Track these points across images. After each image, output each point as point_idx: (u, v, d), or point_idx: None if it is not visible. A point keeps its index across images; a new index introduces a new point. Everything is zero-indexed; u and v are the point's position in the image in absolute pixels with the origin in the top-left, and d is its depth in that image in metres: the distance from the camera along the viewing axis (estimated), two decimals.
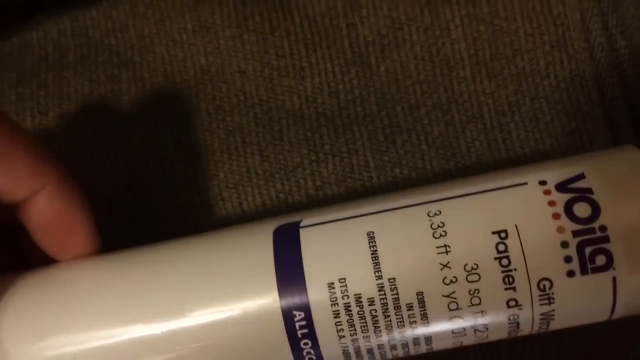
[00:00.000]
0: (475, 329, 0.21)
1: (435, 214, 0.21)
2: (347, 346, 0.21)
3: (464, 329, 0.21)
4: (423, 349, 0.22)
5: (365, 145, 0.29)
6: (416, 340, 0.22)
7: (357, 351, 0.22)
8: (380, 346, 0.22)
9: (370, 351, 0.22)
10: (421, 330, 0.21)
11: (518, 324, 0.21)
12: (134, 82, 0.30)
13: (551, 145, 0.28)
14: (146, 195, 0.29)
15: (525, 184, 0.22)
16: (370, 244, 0.21)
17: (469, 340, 0.22)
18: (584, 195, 0.21)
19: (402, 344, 0.22)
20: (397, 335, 0.21)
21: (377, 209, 0.22)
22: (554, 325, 0.22)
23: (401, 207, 0.22)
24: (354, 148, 0.29)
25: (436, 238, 0.21)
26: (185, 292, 0.22)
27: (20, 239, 0.26)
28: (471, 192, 0.22)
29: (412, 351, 0.22)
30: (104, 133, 0.29)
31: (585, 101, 0.28)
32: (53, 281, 0.23)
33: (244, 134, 0.29)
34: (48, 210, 0.23)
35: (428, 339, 0.22)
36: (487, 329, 0.21)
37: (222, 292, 0.21)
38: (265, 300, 0.21)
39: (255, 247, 0.22)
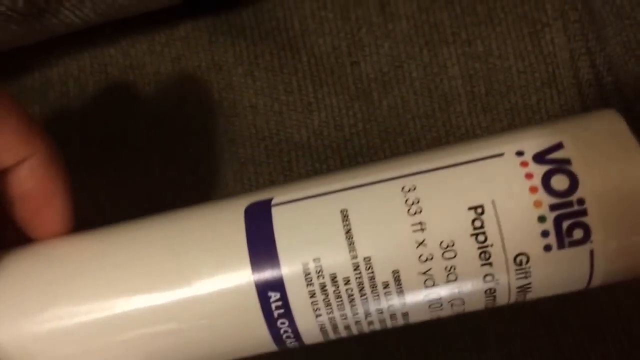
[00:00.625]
0: (452, 304, 0.21)
1: (410, 189, 0.21)
2: (324, 323, 0.21)
3: (441, 304, 0.21)
4: (400, 322, 0.22)
5: None
6: (393, 316, 0.21)
7: (335, 328, 0.21)
8: (357, 322, 0.21)
9: (347, 327, 0.21)
10: (398, 307, 0.21)
11: (495, 297, 0.21)
12: (151, 116, 0.31)
13: None
14: None
15: (502, 154, 0.21)
16: (344, 223, 0.20)
17: (446, 314, 0.22)
18: (562, 166, 0.20)
19: (379, 320, 0.21)
20: (374, 312, 0.21)
21: (350, 184, 0.21)
22: (531, 296, 0.21)
23: (375, 182, 0.21)
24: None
25: (411, 215, 0.20)
26: (160, 268, 0.21)
27: None
28: (447, 165, 0.21)
29: (389, 325, 0.22)
30: (124, 163, 0.31)
31: None
32: (43, 256, 0.22)
33: (256, 164, 0.31)
34: (29, 180, 0.22)
35: (405, 314, 0.21)
36: (464, 302, 0.21)
37: (196, 270, 0.21)
38: (240, 281, 0.20)
39: (228, 227, 0.21)
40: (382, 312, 0.21)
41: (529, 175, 0.20)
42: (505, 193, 0.20)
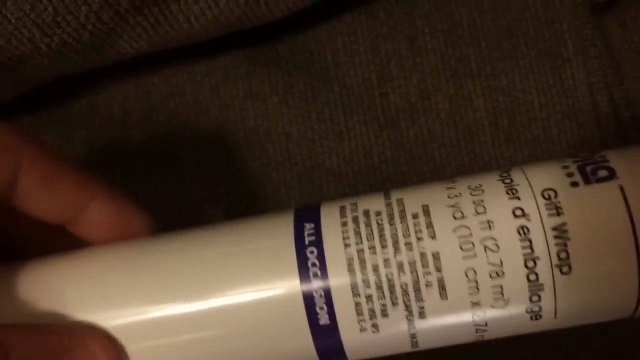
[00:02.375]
0: (485, 246, 0.19)
1: (452, 182, 0.21)
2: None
3: (472, 242, 0.19)
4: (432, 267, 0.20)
5: None
6: (424, 263, 0.19)
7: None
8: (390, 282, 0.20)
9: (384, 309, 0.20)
10: (428, 243, 0.19)
11: (530, 240, 0.19)
12: (190, 141, 0.33)
13: None
14: None
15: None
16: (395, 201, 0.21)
17: (477, 261, 0.19)
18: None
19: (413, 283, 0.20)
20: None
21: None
22: (572, 248, 0.19)
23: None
24: None
25: (447, 184, 0.21)
26: (211, 275, 0.21)
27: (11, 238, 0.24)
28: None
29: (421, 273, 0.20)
30: (164, 186, 0.32)
31: None
32: (113, 257, 0.22)
33: (288, 188, 0.32)
34: (104, 219, 0.22)
35: (436, 255, 0.19)
36: (498, 246, 0.19)
37: (246, 277, 0.21)
38: (287, 283, 0.20)
39: (277, 229, 0.21)
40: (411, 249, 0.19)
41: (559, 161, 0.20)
42: (533, 166, 0.21)
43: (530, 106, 0.31)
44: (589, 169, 0.19)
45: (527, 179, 0.19)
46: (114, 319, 0.21)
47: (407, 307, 0.19)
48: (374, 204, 0.20)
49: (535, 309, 0.19)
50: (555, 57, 0.31)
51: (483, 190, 0.19)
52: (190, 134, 0.33)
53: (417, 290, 0.19)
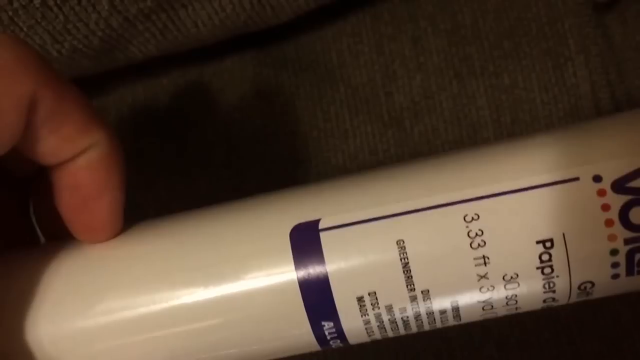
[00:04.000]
0: (507, 301, 0.19)
1: (473, 218, 0.19)
2: (372, 329, 0.20)
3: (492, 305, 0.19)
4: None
5: None
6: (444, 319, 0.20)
7: (382, 329, 0.20)
8: (406, 326, 0.20)
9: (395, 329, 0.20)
10: (451, 321, 0.20)
11: (554, 298, 0.19)
12: (199, 141, 0.33)
13: None
14: None
15: (577, 179, 0.18)
16: (401, 255, 0.19)
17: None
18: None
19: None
20: (427, 325, 0.20)
21: (405, 207, 0.19)
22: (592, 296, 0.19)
23: (433, 207, 0.19)
24: None
25: (474, 249, 0.19)
26: (206, 263, 0.20)
27: (35, 212, 0.24)
28: (513, 190, 0.19)
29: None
30: (173, 184, 0.32)
31: None
32: (90, 251, 0.21)
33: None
34: (85, 170, 0.20)
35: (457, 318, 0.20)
36: (518, 303, 0.19)
37: (243, 268, 0.20)
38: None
39: (273, 255, 0.20)
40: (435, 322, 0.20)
41: (605, 207, 0.18)
42: (578, 226, 0.18)
43: (532, 104, 0.31)
44: (637, 257, 0.18)
45: (569, 270, 0.18)
46: (116, 311, 0.20)
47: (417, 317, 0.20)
48: (398, 301, 0.19)
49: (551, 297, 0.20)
50: (557, 56, 0.31)
51: (518, 284, 0.18)
52: (198, 134, 0.33)
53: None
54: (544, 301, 0.19)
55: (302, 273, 0.19)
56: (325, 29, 0.33)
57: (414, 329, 0.20)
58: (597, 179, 0.18)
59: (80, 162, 0.20)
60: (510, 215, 0.18)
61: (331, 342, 0.20)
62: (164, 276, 0.20)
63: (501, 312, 0.19)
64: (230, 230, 0.21)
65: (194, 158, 0.33)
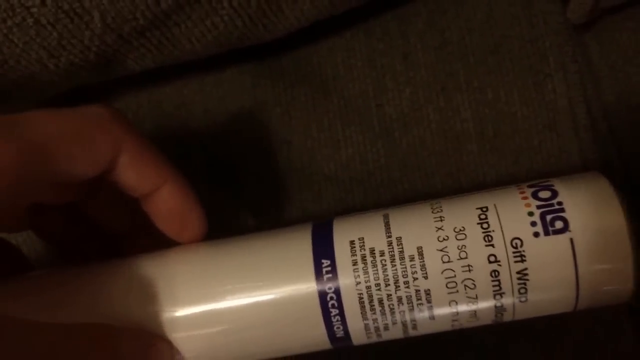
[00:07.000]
0: (465, 285, 0.21)
1: (436, 203, 0.22)
2: (361, 291, 0.21)
3: (455, 282, 0.21)
4: (424, 303, 0.21)
5: (389, 206, 0.28)
6: (418, 294, 0.21)
7: (370, 298, 0.21)
8: (389, 296, 0.21)
9: (381, 303, 0.21)
10: (421, 282, 0.21)
11: (499, 282, 0.20)
12: (199, 147, 0.30)
13: None
14: None
15: (506, 188, 0.22)
16: (385, 220, 0.22)
17: (461, 296, 0.21)
18: (547, 186, 0.21)
19: (407, 299, 0.21)
20: (402, 284, 0.21)
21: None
22: (531, 288, 0.21)
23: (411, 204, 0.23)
24: (380, 207, 0.28)
25: (434, 213, 0.21)
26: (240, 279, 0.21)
27: (90, 215, 0.25)
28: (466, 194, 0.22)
29: (416, 306, 0.21)
30: None
31: (570, 173, 0.28)
32: (203, 255, 0.23)
33: (289, 193, 0.29)
34: (170, 201, 0.23)
35: (427, 291, 0.21)
36: (475, 285, 0.21)
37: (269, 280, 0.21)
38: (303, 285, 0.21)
39: (296, 242, 0.22)
40: (408, 286, 0.21)
41: (522, 192, 0.21)
42: (503, 200, 0.21)
43: (513, 118, 0.28)
44: (548, 218, 0.20)
45: (501, 226, 0.20)
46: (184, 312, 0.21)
47: (404, 324, 0.21)
48: (378, 241, 0.21)
49: (498, 321, 0.22)
50: (537, 73, 0.29)
51: (465, 235, 0.21)
52: (199, 141, 0.30)
53: (412, 310, 0.21)
54: (488, 258, 0.20)
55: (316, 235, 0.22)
56: (321, 44, 0.30)
57: (391, 277, 0.21)
58: (519, 187, 0.22)
59: (164, 194, 0.22)
60: (461, 200, 0.22)
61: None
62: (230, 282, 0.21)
63: (458, 271, 0.21)
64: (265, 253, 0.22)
65: (195, 164, 0.29)
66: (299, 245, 0.21)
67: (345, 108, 0.29)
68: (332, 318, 0.21)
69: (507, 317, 0.21)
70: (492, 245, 0.20)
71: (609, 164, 0.28)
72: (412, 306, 0.21)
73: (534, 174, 0.28)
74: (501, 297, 0.20)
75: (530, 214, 0.20)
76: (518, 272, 0.20)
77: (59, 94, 0.28)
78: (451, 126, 0.29)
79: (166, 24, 0.22)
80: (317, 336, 0.21)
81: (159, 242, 0.24)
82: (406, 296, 0.21)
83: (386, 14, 0.29)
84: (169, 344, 0.21)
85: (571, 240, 0.20)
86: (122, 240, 0.25)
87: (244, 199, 0.29)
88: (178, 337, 0.21)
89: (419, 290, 0.20)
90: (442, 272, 0.20)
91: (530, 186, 0.21)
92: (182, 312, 0.21)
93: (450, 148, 0.29)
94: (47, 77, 0.24)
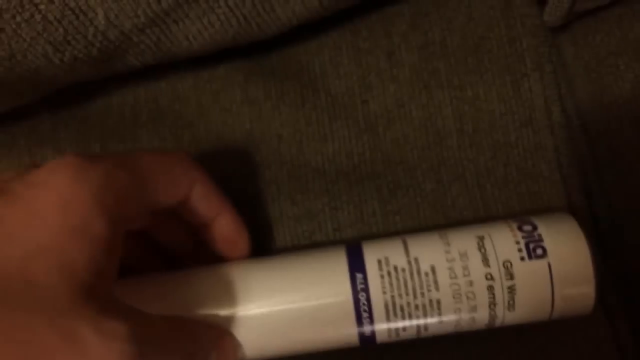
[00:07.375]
0: (467, 297, 0.25)
1: (443, 234, 0.26)
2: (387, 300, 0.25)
3: (460, 294, 0.25)
4: (435, 310, 0.25)
5: (373, 197, 0.30)
6: (431, 303, 0.25)
7: (394, 305, 0.25)
8: (408, 303, 0.25)
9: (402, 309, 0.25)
10: (434, 293, 0.25)
11: (494, 295, 0.25)
12: (193, 140, 0.31)
13: (518, 202, 0.29)
14: None
15: (496, 222, 0.27)
16: (403, 242, 0.26)
17: (465, 306, 0.25)
18: (529, 221, 0.26)
19: (422, 304, 0.25)
20: (419, 294, 0.25)
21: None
22: (518, 300, 0.25)
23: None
24: (364, 199, 0.30)
25: (442, 239, 0.26)
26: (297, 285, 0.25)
27: (157, 239, 0.28)
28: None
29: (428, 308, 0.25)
30: None
31: (546, 168, 0.29)
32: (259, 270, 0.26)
33: (278, 184, 0.30)
34: (226, 227, 0.27)
35: (438, 302, 0.25)
36: (475, 296, 0.25)
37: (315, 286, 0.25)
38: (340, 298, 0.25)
39: (334, 260, 0.26)
40: (424, 296, 0.25)
41: (511, 228, 0.26)
42: (496, 231, 0.26)
43: (492, 115, 0.30)
44: (531, 246, 0.25)
45: (495, 251, 0.25)
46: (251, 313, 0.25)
47: (418, 326, 0.25)
48: (400, 260, 0.25)
49: (491, 326, 0.26)
50: (515, 72, 0.30)
51: (468, 257, 0.25)
52: (193, 134, 0.31)
53: (425, 315, 0.25)
54: (486, 277, 0.25)
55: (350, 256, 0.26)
56: (310, 42, 0.31)
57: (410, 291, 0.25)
58: (507, 223, 0.27)
59: (221, 220, 0.26)
60: (463, 230, 0.26)
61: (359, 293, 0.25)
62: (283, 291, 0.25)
63: (462, 284, 0.25)
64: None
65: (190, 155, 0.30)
66: (336, 264, 0.25)
67: (332, 104, 0.31)
68: (364, 321, 0.25)
69: (497, 323, 0.25)
70: (489, 266, 0.25)
71: (582, 158, 0.30)
72: (426, 312, 0.25)
73: (511, 169, 0.29)
74: (495, 307, 0.25)
75: (517, 242, 0.25)
76: (508, 288, 0.25)
77: (60, 90, 0.30)
78: (433, 122, 0.30)
79: (165, 22, 0.24)
80: (349, 335, 0.25)
81: (210, 259, 0.27)
82: (422, 304, 0.24)
83: (372, 15, 0.31)
84: (233, 337, 0.25)
85: (549, 264, 0.24)
86: (179, 258, 0.29)
87: (233, 191, 0.30)
88: (240, 333, 0.25)
89: (432, 300, 0.25)
90: (450, 286, 0.24)
91: (515, 221, 0.26)
92: (246, 312, 0.25)
93: (431, 143, 0.30)
94: (52, 71, 0.25)
